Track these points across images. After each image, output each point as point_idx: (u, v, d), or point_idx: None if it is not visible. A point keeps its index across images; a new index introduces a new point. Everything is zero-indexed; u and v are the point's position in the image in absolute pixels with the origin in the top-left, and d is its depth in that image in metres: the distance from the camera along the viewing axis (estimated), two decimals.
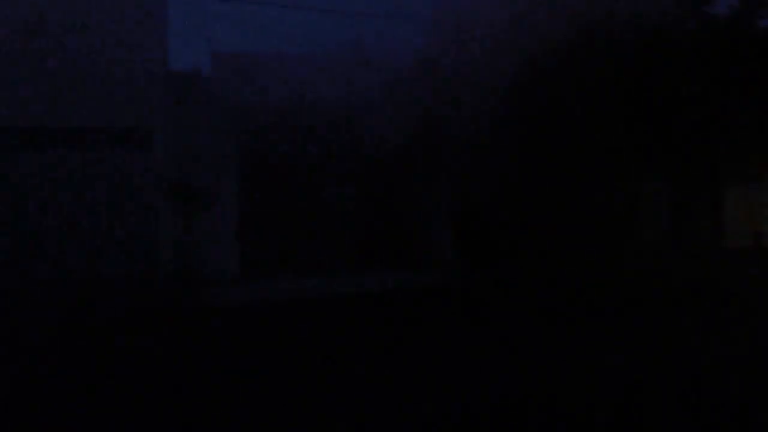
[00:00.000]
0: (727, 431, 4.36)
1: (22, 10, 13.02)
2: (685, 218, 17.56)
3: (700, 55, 14.24)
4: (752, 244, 18.45)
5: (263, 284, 12.76)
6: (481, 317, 9.24)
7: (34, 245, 12.90)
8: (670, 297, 10.53)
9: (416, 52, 15.21)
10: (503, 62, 14.03)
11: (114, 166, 13.35)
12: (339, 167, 15.24)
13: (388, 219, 15.57)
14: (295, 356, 7.21)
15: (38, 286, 12.62)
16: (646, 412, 4.90)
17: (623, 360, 6.53)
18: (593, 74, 14.03)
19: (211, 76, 15.78)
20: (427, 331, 8.39)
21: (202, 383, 6.16)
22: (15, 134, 12.94)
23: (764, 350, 6.59)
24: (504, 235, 16.03)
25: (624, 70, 14.15)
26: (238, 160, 14.29)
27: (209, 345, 7.94)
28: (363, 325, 8.95)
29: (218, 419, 5.10)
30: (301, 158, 15.05)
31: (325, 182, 15.22)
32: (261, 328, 8.96)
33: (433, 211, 15.70)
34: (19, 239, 12.86)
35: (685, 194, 17.53)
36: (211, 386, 6.05)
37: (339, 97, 15.36)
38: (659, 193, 17.43)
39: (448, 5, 15.09)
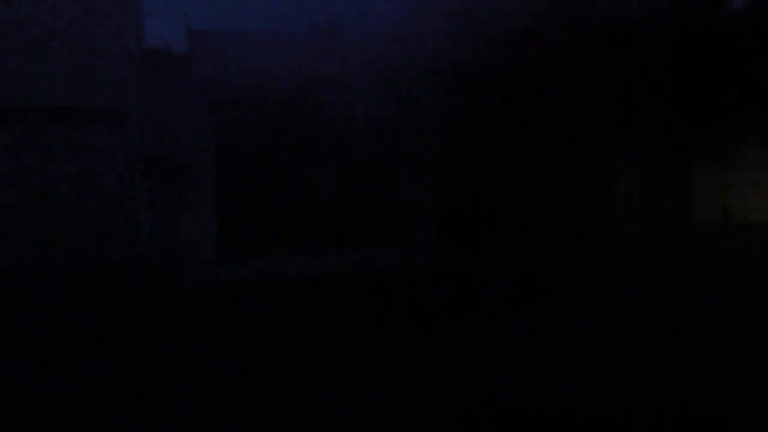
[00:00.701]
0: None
1: None
2: (655, 195, 17.94)
3: (673, 34, 14.46)
4: (721, 221, 18.95)
5: (242, 264, 12.85)
6: (460, 298, 9.45)
7: (7, 229, 12.81)
8: (643, 279, 10.84)
9: (393, 30, 15.19)
10: (476, 40, 14.08)
11: (89, 145, 13.24)
12: (318, 146, 15.28)
13: (368, 198, 15.69)
14: (275, 337, 7.35)
15: (10, 271, 12.56)
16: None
17: (592, 351, 6.76)
18: (568, 52, 14.17)
19: (187, 53, 15.61)
20: (408, 311, 8.57)
21: (181, 365, 6.27)
22: None
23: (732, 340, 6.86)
24: (482, 214, 16.26)
25: (597, 48, 14.31)
26: (216, 138, 14.25)
27: (188, 325, 8.04)
28: (342, 305, 9.11)
29: (199, 400, 5.23)
30: (279, 137, 15.05)
31: (304, 161, 15.26)
32: (239, 309, 9.08)
33: (412, 191, 15.85)
34: None
35: (655, 171, 17.88)
36: (192, 367, 6.16)
37: (317, 75, 15.32)
38: (629, 169, 17.76)
39: None
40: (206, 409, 4.82)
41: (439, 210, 15.89)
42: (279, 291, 10.30)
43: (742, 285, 9.32)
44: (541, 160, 16.31)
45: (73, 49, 13.14)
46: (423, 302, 8.92)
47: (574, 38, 14.18)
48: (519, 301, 8.79)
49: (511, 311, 8.09)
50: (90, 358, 6.41)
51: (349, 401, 4.88)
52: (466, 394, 4.94)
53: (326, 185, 15.35)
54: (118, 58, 13.30)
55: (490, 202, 16.26)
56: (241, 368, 5.90)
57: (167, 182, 13.44)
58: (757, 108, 15.54)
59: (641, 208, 17.88)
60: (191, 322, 8.11)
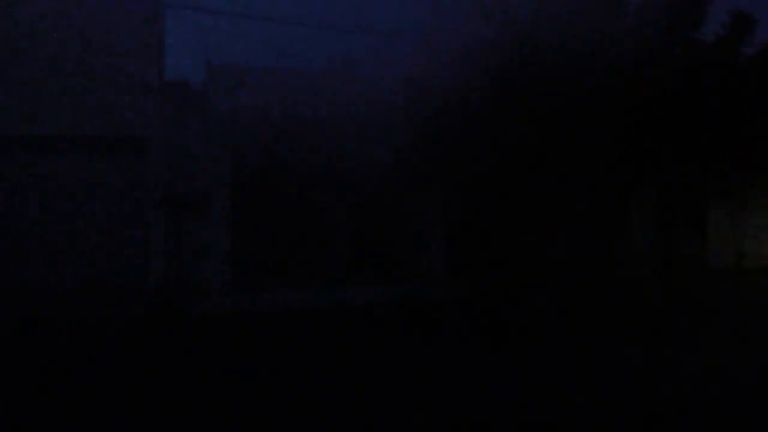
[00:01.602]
0: None
1: (17, 18, 13.10)
2: (668, 236, 17.84)
3: (686, 76, 14.57)
4: (734, 264, 18.78)
5: (253, 295, 12.83)
6: (473, 333, 9.37)
7: (23, 252, 12.91)
8: (650, 314, 10.72)
9: (405, 69, 15.42)
10: (490, 73, 14.20)
11: (107, 174, 13.42)
12: (331, 179, 15.39)
13: (379, 232, 15.71)
14: (284, 367, 7.29)
15: (26, 293, 12.61)
16: None
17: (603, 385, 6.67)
18: (582, 89, 14.28)
19: (204, 87, 15.91)
20: (419, 346, 8.50)
21: (189, 392, 6.22)
22: (6, 141, 12.98)
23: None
24: (493, 251, 16.22)
25: (612, 86, 14.42)
26: (230, 170, 14.39)
27: (195, 353, 8.00)
28: (353, 338, 9.04)
29: (206, 426, 5.18)
30: (292, 170, 15.18)
31: (316, 194, 15.35)
32: (249, 338, 9.03)
33: (423, 224, 15.87)
34: (9, 246, 12.86)
35: (668, 212, 17.83)
36: (200, 395, 6.11)
37: (330, 111, 15.54)
38: (644, 209, 17.72)
39: (437, 22, 15.31)
40: (213, 416, 4.76)
41: (449, 245, 15.86)
42: (290, 322, 10.26)
43: (738, 335, 9.13)
44: (553, 198, 16.32)
45: (93, 79, 13.42)
46: (425, 337, 8.85)
47: (585, 78, 14.33)
48: (513, 340, 8.69)
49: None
50: (106, 375, 6.37)
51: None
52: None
53: (338, 219, 15.40)
54: (138, 90, 13.55)
55: (501, 238, 16.22)
56: (241, 395, 5.85)
57: (181, 212, 13.53)
58: None
59: (654, 249, 17.75)
60: (199, 350, 8.06)
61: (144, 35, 13.76)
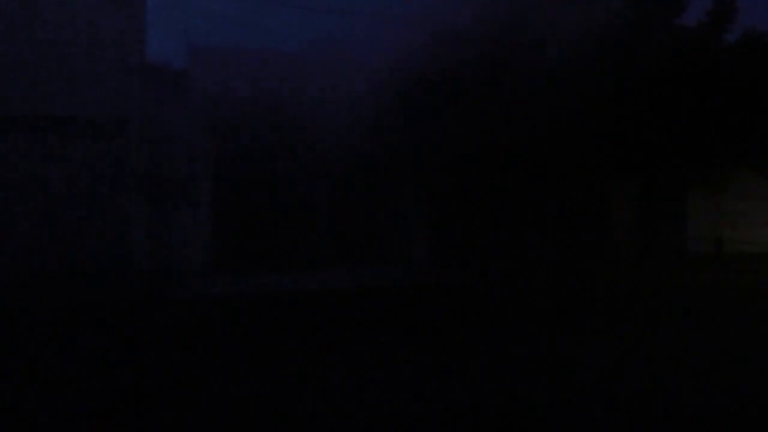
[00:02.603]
0: None
1: None
2: (649, 224, 18.03)
3: (669, 64, 14.65)
4: (714, 250, 19.04)
5: (236, 278, 12.79)
6: (451, 317, 9.42)
7: (1, 236, 12.75)
8: (625, 303, 10.85)
9: (396, 52, 15.36)
10: (476, 62, 14.21)
11: (87, 156, 13.25)
12: (315, 163, 15.33)
13: (362, 217, 15.71)
14: (264, 349, 7.29)
15: (4, 277, 12.48)
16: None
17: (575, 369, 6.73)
18: (566, 76, 14.32)
19: (186, 69, 15.73)
20: (397, 329, 8.54)
21: (168, 374, 6.22)
22: None
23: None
24: (476, 235, 16.29)
25: (596, 74, 14.47)
26: (213, 153, 14.28)
27: (176, 336, 7.98)
28: (333, 321, 9.07)
29: (187, 408, 5.18)
30: (276, 153, 15.10)
31: (300, 178, 15.30)
32: (230, 321, 9.03)
33: (408, 212, 15.88)
34: None
35: (650, 199, 17.99)
36: (180, 377, 6.11)
37: (316, 94, 15.44)
38: (625, 197, 17.87)
39: (429, 4, 15.24)
40: (193, 399, 4.77)
41: (433, 233, 15.91)
42: (271, 305, 10.25)
43: (702, 319, 9.30)
44: (536, 188, 16.40)
45: (75, 61, 13.21)
46: (400, 321, 8.89)
47: (572, 67, 14.35)
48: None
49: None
50: (89, 358, 6.34)
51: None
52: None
53: (321, 203, 15.37)
54: (119, 72, 13.37)
55: (484, 227, 16.30)
56: (218, 375, 5.86)
57: (161, 195, 13.43)
58: (749, 140, 15.72)
59: (635, 236, 17.93)
60: (178, 333, 8.04)
61: (126, 16, 13.55)
